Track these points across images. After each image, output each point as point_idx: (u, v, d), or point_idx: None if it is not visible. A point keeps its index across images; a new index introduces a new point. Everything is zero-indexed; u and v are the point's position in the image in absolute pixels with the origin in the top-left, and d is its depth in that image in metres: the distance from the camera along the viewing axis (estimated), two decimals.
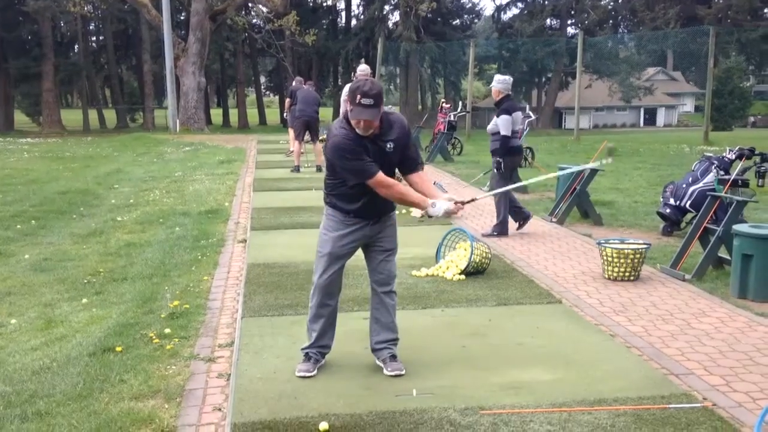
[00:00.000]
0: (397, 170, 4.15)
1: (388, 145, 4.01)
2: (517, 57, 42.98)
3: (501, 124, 7.99)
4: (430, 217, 4.12)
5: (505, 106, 8.03)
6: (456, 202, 4.13)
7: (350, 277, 5.92)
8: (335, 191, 4.10)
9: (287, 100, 16.66)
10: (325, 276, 4.16)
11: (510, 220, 8.32)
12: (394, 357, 4.20)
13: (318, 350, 4.23)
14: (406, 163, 4.13)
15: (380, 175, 3.94)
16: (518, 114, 8.13)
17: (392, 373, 4.10)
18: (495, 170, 8.20)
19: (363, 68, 11.74)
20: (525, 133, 14.11)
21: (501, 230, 8.18)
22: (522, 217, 8.43)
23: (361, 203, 4.05)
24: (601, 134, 35.06)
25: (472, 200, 4.52)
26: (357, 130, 3.88)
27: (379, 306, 4.24)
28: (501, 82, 8.17)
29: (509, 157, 8.11)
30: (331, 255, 4.14)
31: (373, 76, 16.08)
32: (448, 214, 4.12)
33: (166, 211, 10.12)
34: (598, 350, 4.58)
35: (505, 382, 4.04)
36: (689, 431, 3.47)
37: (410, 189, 4.12)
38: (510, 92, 8.21)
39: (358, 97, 3.77)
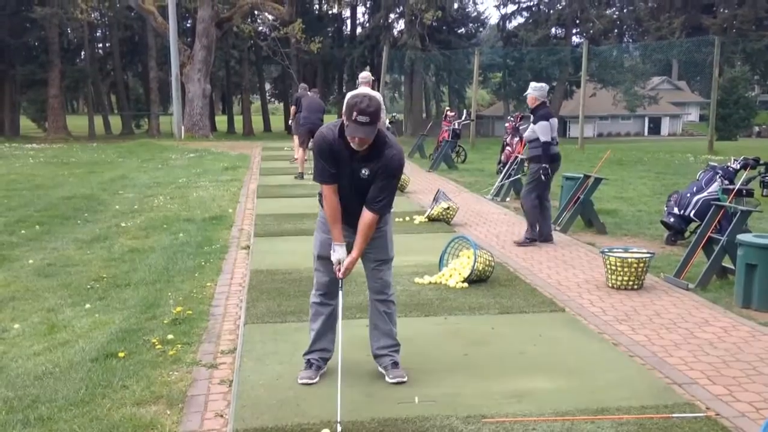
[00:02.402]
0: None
1: (363, 171, 3.90)
2: (522, 66, 43.02)
3: (540, 130, 7.96)
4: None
5: (542, 112, 8.03)
6: (340, 267, 3.99)
7: (352, 284, 5.92)
8: (321, 192, 4.11)
9: (292, 108, 16.70)
10: (319, 276, 4.20)
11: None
12: (396, 364, 4.20)
13: (319, 355, 4.22)
14: (370, 194, 3.94)
15: (326, 188, 3.97)
16: (555, 120, 8.12)
17: (394, 381, 4.10)
18: (542, 177, 8.05)
19: (365, 75, 11.74)
20: None
21: (535, 237, 8.13)
22: (543, 237, 8.30)
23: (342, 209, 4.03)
24: (605, 143, 35.02)
25: (345, 273, 4.05)
26: (351, 144, 3.83)
27: (376, 313, 4.24)
28: (537, 90, 8.13)
29: (553, 163, 8.11)
30: (320, 257, 4.16)
31: (378, 84, 16.12)
32: (334, 263, 4.02)
33: (170, 217, 10.14)
34: (601, 359, 4.56)
35: (507, 390, 4.03)
36: None
37: (338, 224, 3.99)
38: (546, 99, 8.21)
39: (355, 113, 3.71)
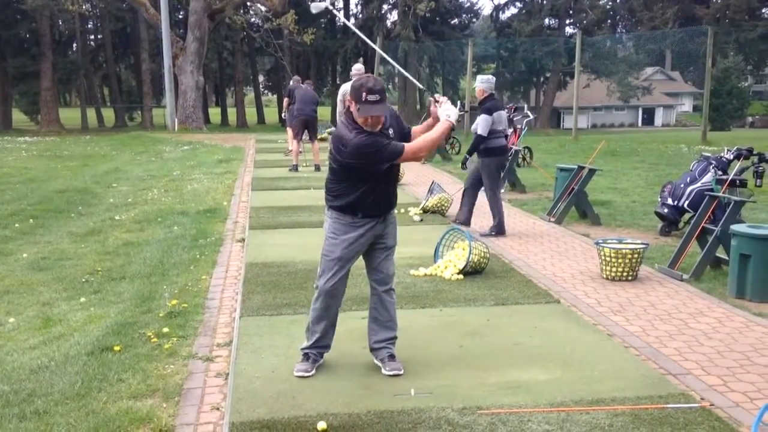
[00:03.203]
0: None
1: (390, 132, 4.07)
2: (516, 56, 43.05)
3: (480, 123, 8.03)
4: (458, 121, 4.21)
5: (487, 105, 8.06)
6: (439, 105, 4.20)
7: (349, 277, 5.91)
8: (341, 194, 4.06)
9: (285, 100, 16.65)
10: (333, 280, 4.12)
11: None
12: (392, 356, 4.21)
13: (317, 350, 4.23)
14: (404, 136, 4.19)
15: (408, 146, 4.01)
16: (501, 113, 8.14)
17: (391, 373, 4.11)
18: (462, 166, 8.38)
19: (358, 67, 11.82)
20: (524, 132, 14.15)
21: (498, 230, 8.19)
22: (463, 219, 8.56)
23: (371, 201, 4.05)
24: (599, 134, 35.09)
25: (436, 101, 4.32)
26: (365, 127, 3.88)
27: (378, 305, 4.24)
28: (484, 82, 8.23)
29: (493, 157, 8.12)
30: (342, 259, 4.10)
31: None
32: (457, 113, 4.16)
33: (165, 210, 10.12)
34: (596, 350, 4.58)
35: (503, 381, 4.05)
36: (687, 431, 3.48)
37: (426, 133, 4.16)
38: (494, 91, 8.25)
39: (364, 94, 3.78)
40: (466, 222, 8.53)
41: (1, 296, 6.25)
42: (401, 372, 4.12)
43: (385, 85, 11.68)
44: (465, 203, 8.65)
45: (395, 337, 4.29)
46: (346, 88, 10.00)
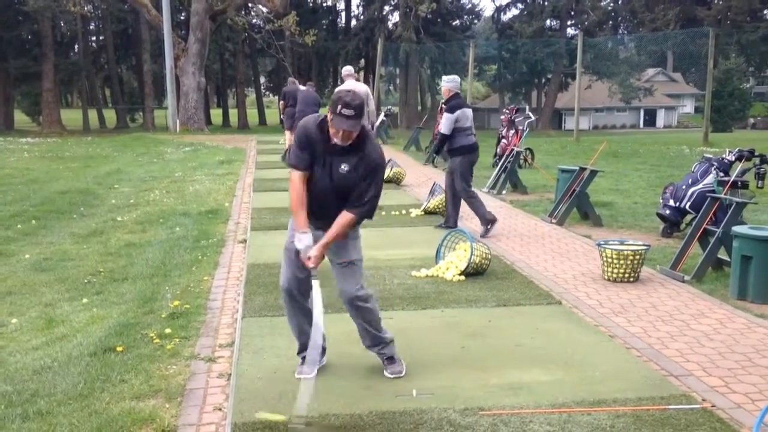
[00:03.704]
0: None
1: (342, 166, 3.84)
2: (517, 58, 43.02)
3: (442, 122, 8.09)
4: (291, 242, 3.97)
5: (451, 103, 8.10)
6: (309, 257, 3.83)
7: None
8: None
9: (281, 103, 16.66)
10: (282, 275, 4.13)
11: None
12: (391, 359, 4.19)
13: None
14: (354, 195, 3.87)
15: (295, 174, 3.91)
16: (465, 111, 8.16)
17: (392, 376, 4.11)
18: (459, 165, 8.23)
19: (347, 68, 12.13)
20: (525, 134, 14.16)
21: (490, 223, 8.18)
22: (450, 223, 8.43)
23: (310, 204, 3.96)
24: (601, 135, 35.07)
25: (316, 261, 3.87)
26: (335, 139, 3.78)
27: (354, 316, 4.16)
28: (449, 82, 8.32)
29: (463, 155, 8.15)
30: (287, 249, 4.08)
31: (373, 77, 16.18)
32: (301, 252, 3.88)
33: (167, 211, 10.13)
34: (598, 351, 4.59)
35: (504, 382, 4.05)
36: None
37: (302, 210, 3.91)
38: (459, 90, 8.32)
39: (339, 107, 3.69)
40: (455, 225, 8.37)
41: (3, 297, 6.26)
42: (402, 374, 4.13)
43: (384, 90, 11.87)
44: (451, 208, 8.50)
45: (382, 344, 4.17)
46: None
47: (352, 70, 12.08)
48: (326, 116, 3.84)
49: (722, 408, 3.78)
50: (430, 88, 50.98)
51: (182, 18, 43.10)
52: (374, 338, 4.18)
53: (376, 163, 3.88)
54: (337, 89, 3.95)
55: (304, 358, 4.20)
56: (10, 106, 43.89)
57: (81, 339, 4.94)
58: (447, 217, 8.54)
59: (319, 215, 3.97)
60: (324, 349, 4.28)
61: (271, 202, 10.31)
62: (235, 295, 5.98)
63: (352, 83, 11.15)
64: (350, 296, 4.03)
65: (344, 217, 3.88)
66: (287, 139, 15.57)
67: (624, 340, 4.84)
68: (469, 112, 8.25)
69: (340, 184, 3.87)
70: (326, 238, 3.88)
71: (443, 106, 7.94)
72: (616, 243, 6.57)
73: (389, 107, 30.57)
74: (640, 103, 51.79)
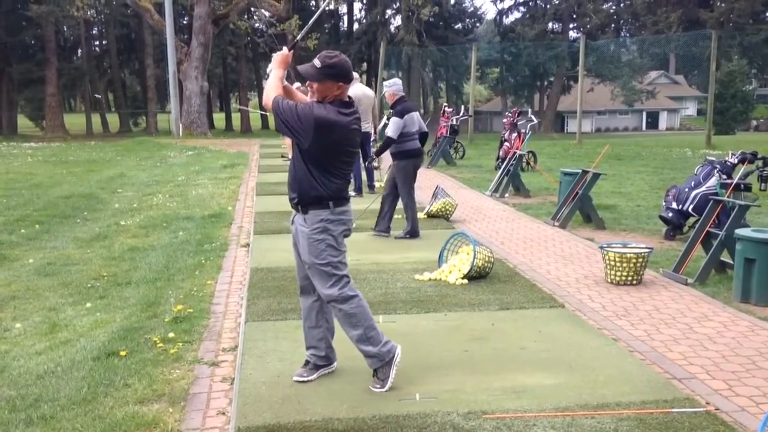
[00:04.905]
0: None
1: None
2: (519, 61, 43.05)
3: (390, 125, 8.00)
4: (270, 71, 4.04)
5: (398, 108, 8.05)
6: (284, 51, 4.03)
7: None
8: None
9: None
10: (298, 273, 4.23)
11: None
12: (375, 372, 4.05)
13: (311, 353, 4.19)
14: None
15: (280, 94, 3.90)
16: (413, 115, 8.08)
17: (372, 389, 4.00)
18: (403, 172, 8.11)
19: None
20: (528, 137, 14.15)
21: (412, 234, 8.11)
22: (383, 228, 8.27)
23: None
24: (603, 138, 35.06)
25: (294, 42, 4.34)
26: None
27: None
28: (391, 86, 8.27)
29: (407, 159, 8.06)
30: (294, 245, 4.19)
31: (375, 80, 16.18)
32: (276, 61, 4.00)
33: (170, 215, 10.15)
34: (601, 354, 4.58)
35: (508, 386, 4.05)
36: None
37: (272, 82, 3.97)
38: (403, 93, 8.27)
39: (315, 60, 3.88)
40: (386, 231, 8.24)
41: (7, 302, 6.27)
42: (381, 390, 3.96)
43: (375, 102, 11.75)
44: (385, 212, 8.31)
45: (366, 356, 4.04)
46: (355, 92, 10.05)
47: (356, 75, 11.93)
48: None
49: (726, 411, 3.78)
50: (432, 92, 51.07)
51: (185, 22, 43.20)
52: (357, 347, 4.05)
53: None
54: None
55: (306, 359, 4.20)
56: (14, 110, 44.07)
57: (84, 343, 4.95)
58: (378, 221, 8.29)
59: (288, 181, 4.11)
60: (318, 350, 4.22)
61: (274, 206, 10.31)
62: (239, 299, 5.99)
63: (359, 87, 11.11)
64: (324, 297, 4.01)
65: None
66: (287, 143, 15.56)
67: (627, 343, 4.84)
68: (416, 116, 8.17)
69: None
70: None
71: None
72: (619, 246, 6.57)
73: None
74: (642, 105, 51.76)
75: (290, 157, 4.32)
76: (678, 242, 8.06)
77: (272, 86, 3.91)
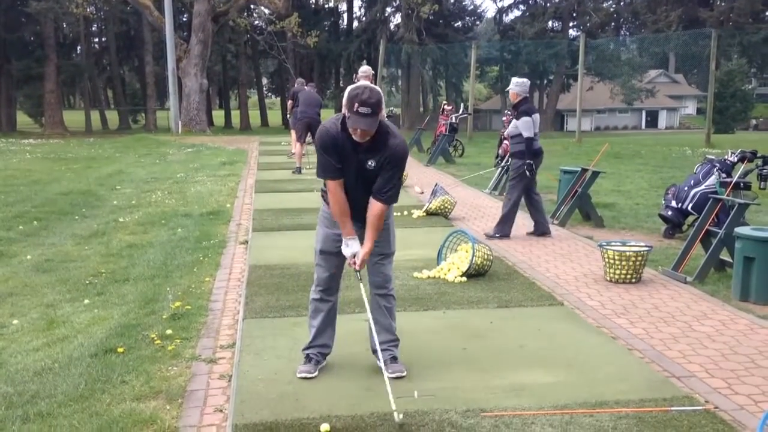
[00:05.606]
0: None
1: (369, 162, 3.91)
2: (519, 59, 43.00)
3: (522, 126, 7.95)
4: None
5: (524, 107, 8.04)
6: (354, 260, 4.00)
7: (351, 278, 5.91)
8: (325, 187, 4.08)
9: (289, 102, 16.67)
10: (320, 271, 4.19)
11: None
12: (395, 359, 4.20)
13: (318, 351, 4.23)
14: (377, 185, 3.96)
15: (332, 184, 3.94)
16: (537, 116, 8.12)
17: (393, 375, 4.09)
18: (527, 173, 8.04)
19: (365, 69, 11.50)
20: None
21: (506, 234, 8.18)
22: (540, 231, 8.37)
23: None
24: (602, 136, 35.03)
25: (361, 265, 4.06)
26: (354, 136, 3.82)
27: (376, 308, 4.23)
28: (519, 85, 8.13)
29: (536, 158, 8.13)
30: (323, 252, 4.16)
31: (375, 78, 16.10)
32: (348, 257, 4.03)
33: (168, 212, 10.13)
34: (600, 352, 4.57)
35: (506, 384, 4.04)
36: None
37: (347, 219, 3.97)
38: (528, 95, 8.23)
39: (356, 105, 3.70)
40: (546, 230, 8.37)
41: (5, 298, 6.26)
42: (404, 374, 4.12)
43: (386, 91, 11.42)
44: (537, 209, 8.41)
45: (396, 340, 4.27)
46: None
47: (370, 73, 11.14)
48: (344, 115, 3.86)
49: (725, 410, 3.77)
50: (432, 90, 51.02)
51: (184, 19, 43.17)
52: (392, 332, 4.23)
53: (400, 156, 3.95)
54: (351, 86, 3.95)
55: (307, 356, 4.20)
56: (13, 107, 43.99)
57: (82, 340, 4.94)
58: (535, 225, 8.43)
59: (353, 214, 4.03)
60: (329, 352, 4.30)
61: (273, 204, 10.30)
62: (237, 297, 5.98)
63: (366, 85, 10.92)
64: (388, 286, 4.20)
65: (375, 207, 3.96)
66: (293, 140, 15.54)
67: (626, 342, 4.83)
68: (537, 117, 8.10)
69: (367, 177, 3.95)
70: (369, 241, 4.00)
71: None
72: (618, 244, 6.56)
73: (391, 108, 30.59)
74: (642, 104, 51.80)
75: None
76: (677, 240, 8.06)
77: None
